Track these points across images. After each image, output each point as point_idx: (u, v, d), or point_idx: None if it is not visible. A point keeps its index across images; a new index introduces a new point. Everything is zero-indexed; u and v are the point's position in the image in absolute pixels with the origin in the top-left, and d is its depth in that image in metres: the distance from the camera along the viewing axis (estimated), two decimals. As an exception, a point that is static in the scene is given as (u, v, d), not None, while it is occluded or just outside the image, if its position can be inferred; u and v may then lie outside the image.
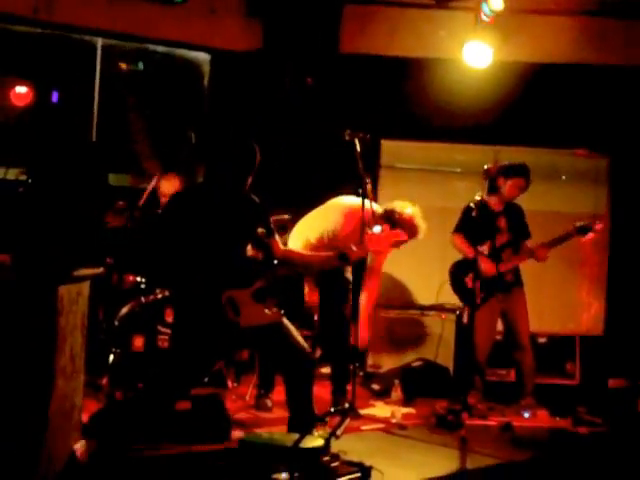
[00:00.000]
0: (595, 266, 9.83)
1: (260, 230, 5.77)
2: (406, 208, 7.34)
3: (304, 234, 7.37)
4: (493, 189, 7.95)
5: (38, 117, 9.10)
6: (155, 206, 8.23)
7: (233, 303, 5.53)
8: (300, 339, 5.84)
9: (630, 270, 9.77)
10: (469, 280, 7.81)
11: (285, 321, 5.80)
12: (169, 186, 8.06)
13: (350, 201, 7.34)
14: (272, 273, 5.79)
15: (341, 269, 7.32)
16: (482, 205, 7.64)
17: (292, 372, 5.85)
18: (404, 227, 7.29)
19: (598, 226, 8.06)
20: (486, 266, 7.94)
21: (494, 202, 8.08)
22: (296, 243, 7.31)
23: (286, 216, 7.77)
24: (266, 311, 5.65)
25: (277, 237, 5.94)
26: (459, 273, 8.07)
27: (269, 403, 7.54)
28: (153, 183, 8.41)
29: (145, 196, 8.37)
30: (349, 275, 7.44)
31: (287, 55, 9.67)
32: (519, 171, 8.03)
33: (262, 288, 5.66)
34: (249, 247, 5.89)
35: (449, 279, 8.21)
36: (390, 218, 7.26)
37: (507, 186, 8.01)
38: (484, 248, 7.98)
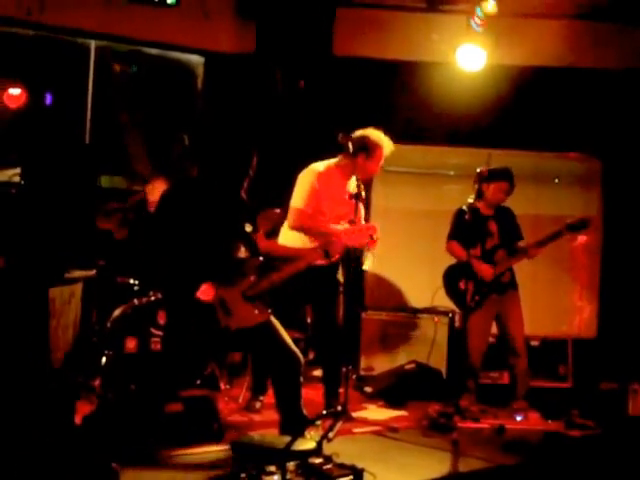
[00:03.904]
0: (588, 269, 9.84)
1: (248, 227, 5.80)
2: (369, 131, 7.32)
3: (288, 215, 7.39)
4: (480, 194, 7.94)
5: (31, 119, 9.08)
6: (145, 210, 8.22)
7: (224, 304, 5.54)
8: (288, 339, 5.85)
9: (622, 273, 9.78)
10: (463, 285, 7.80)
11: (273, 320, 5.81)
12: (156, 191, 8.01)
13: (321, 164, 7.35)
14: (259, 270, 5.81)
15: (332, 271, 7.32)
16: (473, 209, 7.67)
17: (279, 371, 5.86)
18: (377, 147, 7.26)
19: (589, 224, 8.07)
20: (484, 270, 7.93)
21: (483, 206, 8.07)
22: (285, 229, 7.36)
23: (277, 210, 7.73)
24: (255, 311, 5.66)
25: (261, 231, 5.96)
26: (453, 278, 8.05)
27: (257, 405, 7.53)
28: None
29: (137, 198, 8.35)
30: (340, 277, 7.43)
31: (280, 58, 9.67)
32: (501, 175, 8.03)
33: (251, 286, 5.67)
34: (242, 248, 5.89)
35: (443, 284, 8.19)
36: (365, 144, 7.23)
37: (490, 190, 8.02)
38: (475, 252, 7.97)
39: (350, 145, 7.15)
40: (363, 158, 7.20)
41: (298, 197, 7.23)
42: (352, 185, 7.12)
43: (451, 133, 9.74)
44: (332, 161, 7.35)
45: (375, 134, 7.26)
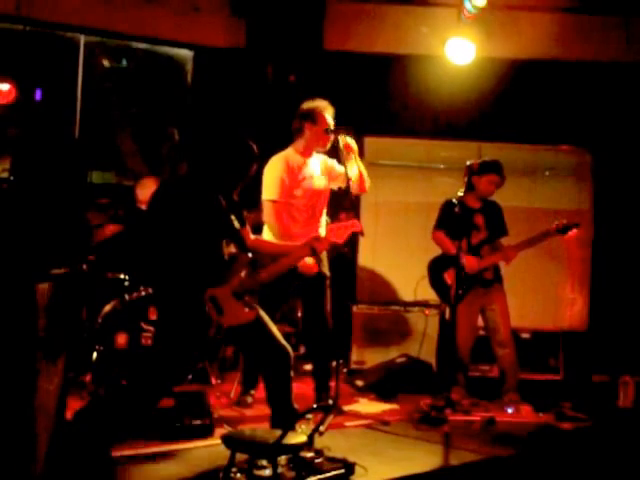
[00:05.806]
0: (579, 262, 9.86)
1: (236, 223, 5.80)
2: (304, 102, 7.37)
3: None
4: (470, 187, 7.89)
5: (21, 114, 9.07)
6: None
7: (215, 302, 5.53)
8: (277, 333, 5.85)
9: (613, 266, 9.80)
10: (448, 277, 7.82)
11: (262, 315, 5.80)
12: (146, 192, 7.99)
13: (281, 153, 7.36)
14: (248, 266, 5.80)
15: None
16: (461, 202, 7.64)
17: (269, 366, 5.85)
18: (316, 110, 7.29)
19: (572, 232, 8.04)
20: (469, 262, 7.92)
21: (471, 199, 8.04)
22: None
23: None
24: (245, 309, 5.66)
25: (247, 227, 5.96)
26: (437, 270, 8.05)
27: (249, 400, 7.53)
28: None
29: None
30: (326, 271, 7.43)
31: (271, 52, 9.66)
32: (491, 167, 8.01)
33: (241, 284, 5.67)
34: (229, 245, 5.89)
35: (427, 276, 8.19)
36: (304, 113, 7.29)
37: (481, 183, 7.99)
38: (461, 244, 7.95)
39: (295, 122, 7.27)
40: (310, 127, 7.25)
41: (268, 189, 7.24)
42: (318, 163, 7.30)
43: (441, 126, 9.74)
44: (289, 148, 7.37)
45: (309, 101, 7.33)
